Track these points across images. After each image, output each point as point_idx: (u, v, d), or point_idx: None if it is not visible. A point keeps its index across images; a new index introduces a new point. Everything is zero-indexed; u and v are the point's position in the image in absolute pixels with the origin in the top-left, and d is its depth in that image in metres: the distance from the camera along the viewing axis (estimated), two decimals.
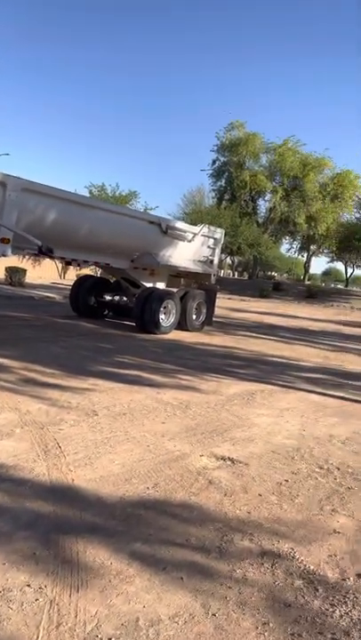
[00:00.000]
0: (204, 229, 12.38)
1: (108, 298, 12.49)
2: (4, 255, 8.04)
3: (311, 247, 47.59)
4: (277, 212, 38.80)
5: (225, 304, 24.67)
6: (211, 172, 40.04)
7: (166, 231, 11.09)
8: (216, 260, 13.07)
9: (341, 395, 7.04)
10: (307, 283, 47.17)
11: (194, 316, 12.67)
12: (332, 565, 2.67)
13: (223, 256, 35.88)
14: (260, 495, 3.41)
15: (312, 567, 2.63)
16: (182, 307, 12.03)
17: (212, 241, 12.87)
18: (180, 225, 11.78)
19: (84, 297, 12.34)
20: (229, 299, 29.67)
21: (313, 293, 34.84)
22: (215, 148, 39.50)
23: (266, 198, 40.60)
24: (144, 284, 11.84)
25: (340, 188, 38.67)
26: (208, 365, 8.19)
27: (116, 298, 12.46)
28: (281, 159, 36.68)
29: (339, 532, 3.02)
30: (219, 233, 12.99)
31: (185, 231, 11.80)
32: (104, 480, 3.36)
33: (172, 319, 11.59)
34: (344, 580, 2.56)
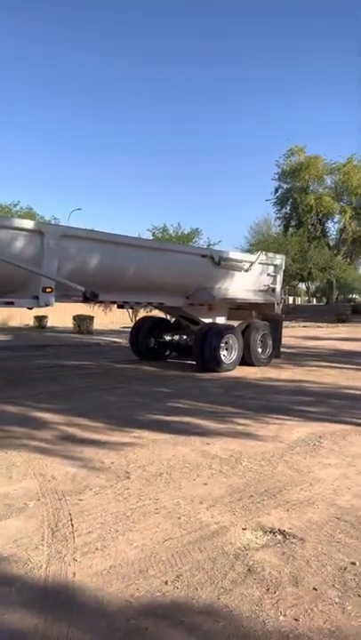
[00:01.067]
0: (262, 257, 11.66)
1: (167, 338, 11.99)
2: (48, 304, 7.77)
3: None
4: (349, 233, 37.11)
5: (298, 333, 23.48)
6: (274, 200, 39.31)
7: (219, 263, 10.50)
8: (278, 288, 12.24)
9: None
10: None
11: (259, 350, 11.82)
12: None
13: (296, 283, 34.52)
14: (316, 590, 2.57)
15: None
16: (245, 341, 11.28)
17: (271, 268, 12.10)
18: (233, 255, 11.15)
19: (144, 339, 11.93)
20: (304, 326, 28.32)
21: None
22: (276, 175, 38.89)
23: (335, 220, 39.09)
24: (203, 320, 11.25)
25: None
26: (271, 405, 7.34)
27: (176, 337, 11.92)
28: (346, 178, 35.25)
29: None
30: (278, 259, 12.20)
31: (240, 261, 11.14)
32: (113, 572, 2.69)
33: (234, 355, 10.85)
34: None
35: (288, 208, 38.81)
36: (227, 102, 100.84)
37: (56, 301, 7.87)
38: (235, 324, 11.35)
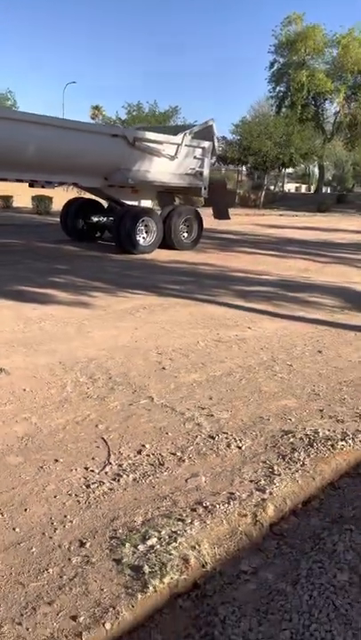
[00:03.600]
0: (187, 139, 11.55)
1: (95, 219, 12.36)
2: None
3: None
4: (344, 116, 35.08)
5: (266, 221, 23.52)
6: (269, 77, 36.63)
7: (134, 143, 10.51)
8: (206, 172, 12.26)
9: (250, 305, 6.57)
10: None
11: (185, 234, 12.23)
12: None
13: (277, 169, 33.40)
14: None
15: None
16: (167, 225, 11.64)
17: (199, 151, 12.03)
18: (151, 135, 11.06)
19: (73, 220, 12.32)
20: (280, 215, 28.15)
21: None
22: (272, 48, 35.81)
23: (333, 102, 36.67)
24: (127, 202, 11.51)
25: None
26: (143, 282, 7.95)
27: (103, 219, 12.27)
28: (345, 52, 32.44)
29: None
30: (206, 142, 12.07)
31: (160, 142, 11.09)
32: None
33: (153, 238, 11.27)
34: None
35: (283, 86, 36.29)
36: None
37: None
38: (152, 207, 11.62)
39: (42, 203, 19.32)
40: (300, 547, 2.08)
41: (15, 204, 22.16)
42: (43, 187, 10.30)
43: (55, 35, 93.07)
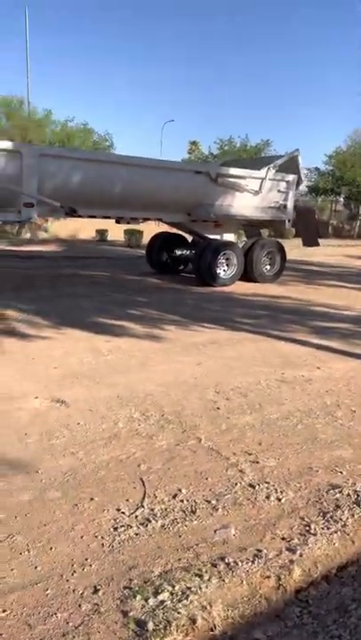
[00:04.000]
0: (270, 173, 11.55)
1: (178, 253, 12.65)
2: (31, 219, 8.82)
3: None
4: None
5: (359, 252, 22.64)
6: None
7: (216, 180, 10.70)
8: (290, 205, 12.15)
9: (324, 343, 6.30)
10: None
11: (267, 267, 12.14)
12: None
13: None
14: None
15: None
16: (249, 257, 11.64)
17: (283, 184, 11.97)
18: (234, 171, 11.19)
19: (157, 253, 12.71)
20: None
21: None
22: None
23: None
24: (209, 236, 11.69)
25: None
26: (218, 315, 7.96)
27: (186, 252, 12.53)
28: None
29: None
30: (291, 176, 11.99)
31: (243, 177, 11.20)
32: None
33: (233, 270, 11.29)
34: None
35: None
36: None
37: (40, 215, 8.84)
38: (234, 240, 11.68)
39: (133, 236, 20.15)
40: (322, 618, 1.91)
41: (110, 237, 23.37)
42: (128, 222, 10.76)
43: (153, 75, 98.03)
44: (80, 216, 9.40)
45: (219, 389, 4.49)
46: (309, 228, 13.51)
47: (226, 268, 11.29)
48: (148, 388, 4.46)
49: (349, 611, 1.95)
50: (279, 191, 11.98)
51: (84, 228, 24.43)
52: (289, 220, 12.36)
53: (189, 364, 5.24)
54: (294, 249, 23.68)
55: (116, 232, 22.81)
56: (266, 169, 11.48)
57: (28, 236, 23.62)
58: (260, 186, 11.50)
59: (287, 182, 12.02)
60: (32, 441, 3.35)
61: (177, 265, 12.94)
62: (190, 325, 7.20)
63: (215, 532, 2.41)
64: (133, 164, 9.70)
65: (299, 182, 12.76)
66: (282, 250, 12.28)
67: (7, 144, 8.47)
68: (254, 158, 12.89)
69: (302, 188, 36.18)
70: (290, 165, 12.06)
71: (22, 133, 19.01)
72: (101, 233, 23.22)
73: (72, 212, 8.97)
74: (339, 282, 12.68)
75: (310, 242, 13.78)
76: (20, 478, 2.87)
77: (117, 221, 10.73)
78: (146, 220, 11.18)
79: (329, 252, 22.99)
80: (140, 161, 9.97)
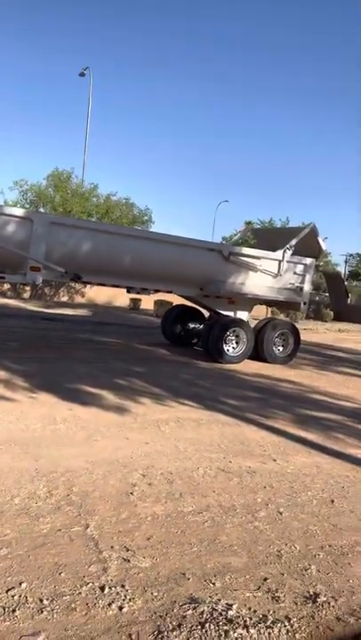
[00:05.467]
0: (287, 255, 11.54)
1: (191, 326, 12.63)
2: (35, 282, 9.09)
3: None
4: None
5: None
6: None
7: (228, 258, 10.78)
8: (306, 288, 11.99)
9: (300, 434, 5.90)
10: None
11: (279, 348, 11.85)
12: None
13: None
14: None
15: None
16: (260, 337, 11.44)
17: (300, 267, 11.89)
18: (246, 251, 11.27)
19: (171, 326, 12.75)
20: None
21: None
22: None
23: None
24: (222, 312, 11.64)
25: None
26: (205, 393, 7.71)
27: (198, 326, 12.49)
28: None
29: None
30: (309, 259, 11.93)
31: (257, 257, 11.23)
32: None
33: (242, 349, 11.08)
34: None
35: None
36: None
37: (46, 279, 9.10)
38: (244, 319, 11.54)
39: (162, 307, 20.40)
40: None
41: (142, 306, 23.82)
42: (138, 293, 10.90)
43: (207, 159, 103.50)
44: (88, 283, 9.61)
45: (147, 473, 4.21)
46: (338, 290, 13.08)
47: (235, 345, 11.10)
48: (74, 464, 4.25)
49: None
50: (295, 273, 11.88)
51: (119, 296, 25.10)
52: (305, 303, 12.16)
53: (136, 443, 5.00)
54: (329, 333, 23.30)
55: (149, 301, 23.27)
56: (282, 251, 11.50)
57: (65, 299, 24.46)
58: (278, 267, 11.49)
59: (304, 265, 11.94)
60: None
61: (190, 338, 12.87)
62: (167, 401, 6.98)
63: (20, 638, 2.13)
64: (144, 237, 9.96)
65: (320, 253, 12.72)
66: (296, 332, 12.01)
67: (20, 211, 8.95)
68: (273, 228, 12.96)
69: (344, 272, 36.46)
70: (310, 240, 12.00)
71: (65, 204, 20.19)
72: (134, 301, 23.73)
73: (77, 279, 9.21)
74: (357, 370, 12.16)
75: (339, 306, 13.40)
76: None
77: (128, 291, 10.89)
78: (157, 291, 11.29)
79: None
80: (151, 235, 10.24)
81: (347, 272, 32.23)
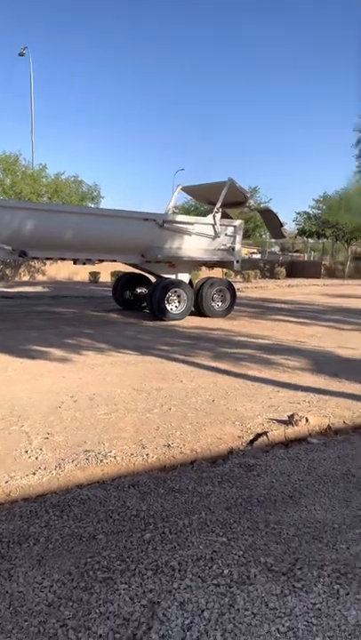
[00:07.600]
0: (216, 218, 12.79)
1: (139, 291, 13.89)
2: None
3: None
4: None
5: (341, 290, 23.56)
6: (357, 153, 37.33)
7: (163, 225, 11.97)
8: (238, 247, 13.33)
9: (212, 364, 7.27)
10: None
11: (218, 303, 13.23)
12: None
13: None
14: None
15: None
16: (199, 294, 12.78)
17: (231, 229, 13.19)
18: (180, 218, 12.51)
19: (121, 291, 14.01)
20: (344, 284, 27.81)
21: None
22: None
23: None
24: (165, 276, 12.88)
25: None
26: (142, 344, 8.98)
27: (145, 290, 13.73)
28: None
29: None
30: (237, 221, 13.25)
31: (189, 223, 12.48)
32: None
33: (183, 307, 12.38)
34: None
35: None
36: None
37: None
38: (183, 279, 12.84)
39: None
40: None
41: (101, 279, 24.90)
42: (84, 263, 12.03)
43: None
44: (35, 258, 10.71)
45: (75, 395, 5.51)
46: (273, 223, 14.94)
47: (177, 304, 12.41)
48: (19, 394, 5.51)
49: None
50: (227, 235, 13.18)
51: (80, 272, 26.08)
52: (238, 261, 13.51)
53: (71, 379, 6.28)
54: (278, 289, 24.83)
55: (106, 274, 24.34)
56: (212, 215, 12.75)
57: (26, 278, 25.30)
58: (208, 230, 12.75)
59: (234, 227, 13.24)
60: None
61: (139, 302, 14.13)
62: (109, 352, 8.24)
63: None
64: (80, 212, 11.06)
65: (246, 198, 14.18)
66: (232, 288, 13.38)
67: None
68: (201, 184, 14.34)
69: (292, 229, 38.02)
70: (233, 191, 13.22)
71: (14, 187, 20.96)
72: (94, 275, 24.79)
73: (23, 255, 10.31)
74: (288, 317, 13.61)
75: (276, 236, 16.09)
76: None
77: (74, 262, 12.02)
78: (101, 261, 12.43)
79: (309, 290, 23.98)
80: (89, 210, 11.33)
81: (295, 230, 33.95)
